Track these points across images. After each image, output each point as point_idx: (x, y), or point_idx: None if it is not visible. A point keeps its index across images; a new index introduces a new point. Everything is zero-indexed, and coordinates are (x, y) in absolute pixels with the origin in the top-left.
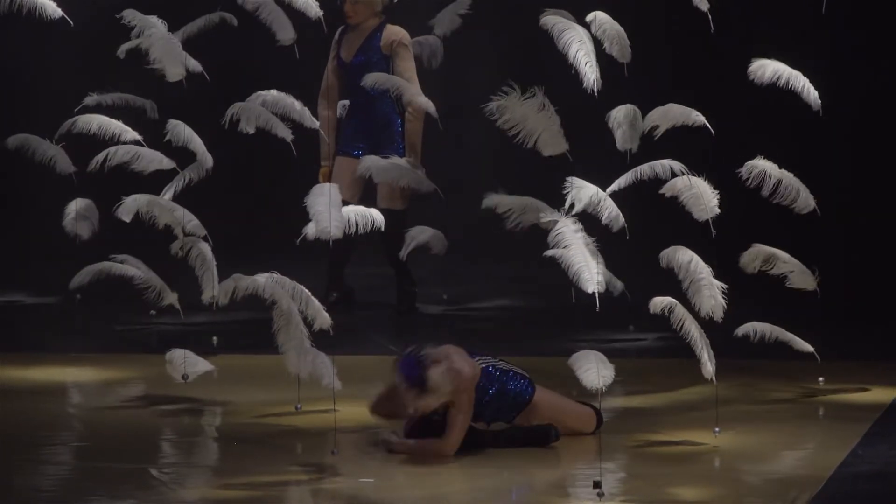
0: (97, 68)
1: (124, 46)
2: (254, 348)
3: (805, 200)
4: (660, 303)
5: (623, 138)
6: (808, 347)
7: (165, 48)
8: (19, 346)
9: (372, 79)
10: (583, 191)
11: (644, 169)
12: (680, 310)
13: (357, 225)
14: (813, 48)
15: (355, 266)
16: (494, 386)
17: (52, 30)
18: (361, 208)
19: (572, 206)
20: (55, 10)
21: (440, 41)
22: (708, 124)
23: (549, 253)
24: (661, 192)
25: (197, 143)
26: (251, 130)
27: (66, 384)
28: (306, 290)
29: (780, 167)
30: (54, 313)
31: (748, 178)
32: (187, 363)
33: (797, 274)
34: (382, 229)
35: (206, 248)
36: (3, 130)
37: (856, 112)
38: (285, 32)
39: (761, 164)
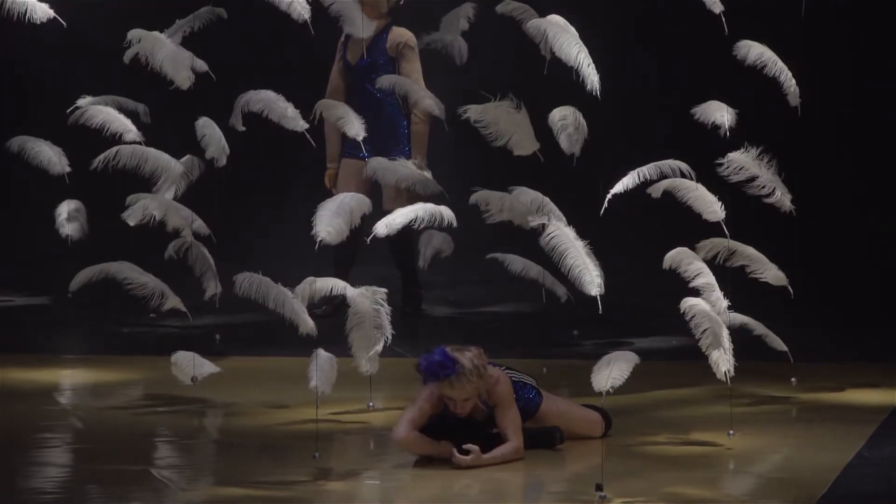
0: (90, 70)
1: (129, 53)
2: (257, 349)
3: (781, 200)
4: (691, 302)
5: (568, 141)
6: (783, 346)
7: (171, 56)
8: (20, 347)
9: (386, 80)
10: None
11: (649, 169)
12: (706, 309)
13: (424, 221)
14: (795, 48)
15: (361, 267)
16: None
17: (46, 30)
18: (431, 205)
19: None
20: (45, 12)
21: (455, 38)
22: (726, 125)
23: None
24: (648, 191)
25: (217, 139)
26: (241, 127)
27: (67, 386)
28: (287, 292)
29: (762, 164)
30: (55, 315)
31: (727, 171)
32: (193, 365)
33: (771, 272)
34: (454, 225)
35: (202, 247)
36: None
37: (838, 113)
38: (354, 29)
39: (740, 158)
